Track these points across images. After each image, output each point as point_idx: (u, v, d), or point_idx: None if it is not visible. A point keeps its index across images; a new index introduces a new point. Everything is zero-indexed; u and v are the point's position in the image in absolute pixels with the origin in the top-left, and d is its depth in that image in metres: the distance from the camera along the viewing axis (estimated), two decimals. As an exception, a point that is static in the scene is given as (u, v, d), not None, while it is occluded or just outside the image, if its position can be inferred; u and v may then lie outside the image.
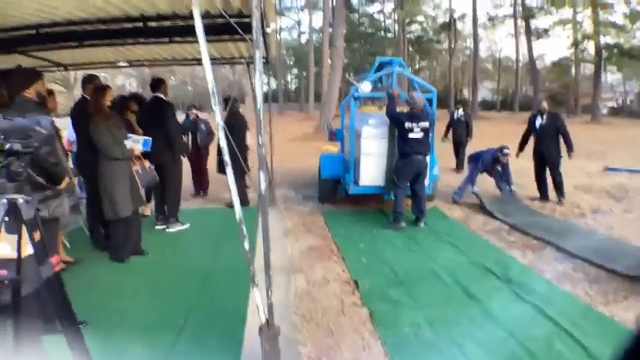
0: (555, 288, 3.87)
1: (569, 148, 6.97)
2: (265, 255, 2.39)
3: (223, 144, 2.28)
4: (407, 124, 5.57)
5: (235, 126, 6.50)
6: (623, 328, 3.12)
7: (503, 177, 7.05)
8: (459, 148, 10.39)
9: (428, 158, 5.85)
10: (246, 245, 2.32)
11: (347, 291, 3.90)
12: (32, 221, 1.76)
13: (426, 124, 5.61)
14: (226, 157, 2.28)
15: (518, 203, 6.70)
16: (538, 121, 7.01)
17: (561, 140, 6.98)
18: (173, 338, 3.04)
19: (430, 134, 5.82)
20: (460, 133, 10.19)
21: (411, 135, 5.59)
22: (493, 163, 6.93)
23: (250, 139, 6.96)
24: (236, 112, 6.73)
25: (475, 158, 7.16)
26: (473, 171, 7.00)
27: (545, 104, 7.21)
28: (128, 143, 4.42)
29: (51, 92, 4.66)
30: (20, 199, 1.67)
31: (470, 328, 3.20)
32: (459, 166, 10.35)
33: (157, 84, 5.71)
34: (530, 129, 7.21)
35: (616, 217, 6.17)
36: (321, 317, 3.41)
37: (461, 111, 10.30)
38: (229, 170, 2.31)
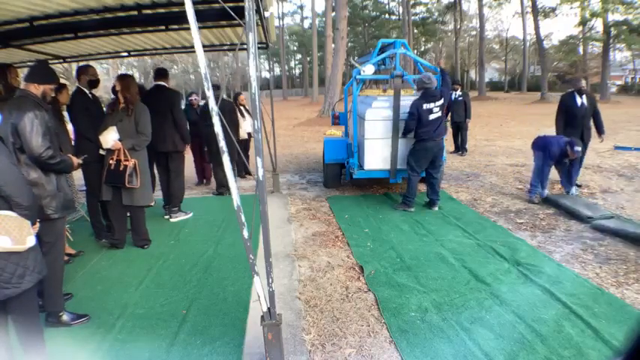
0: (565, 269, 3.79)
1: (602, 129, 6.46)
2: (265, 243, 2.33)
3: (218, 130, 2.21)
4: (425, 106, 5.41)
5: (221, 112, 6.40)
6: (634, 310, 3.05)
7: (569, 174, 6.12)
8: (458, 130, 10.27)
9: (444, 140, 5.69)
10: (245, 233, 2.26)
11: (352, 277, 3.85)
12: None
13: (441, 101, 5.47)
14: (221, 144, 2.20)
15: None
16: (579, 101, 6.26)
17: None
18: (176, 328, 3.01)
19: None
20: (459, 114, 10.04)
21: (431, 116, 5.42)
22: (560, 156, 5.83)
23: (248, 126, 6.87)
24: (222, 99, 6.62)
25: (542, 147, 6.02)
26: (544, 167, 5.91)
27: (584, 83, 6.46)
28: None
29: (63, 86, 4.60)
30: None
31: (478, 312, 3.14)
32: (457, 149, 10.28)
33: (159, 73, 5.65)
34: (564, 110, 6.40)
35: (627, 196, 6.06)
36: (325, 303, 3.36)
37: (459, 91, 10.13)
38: (225, 157, 2.24)
